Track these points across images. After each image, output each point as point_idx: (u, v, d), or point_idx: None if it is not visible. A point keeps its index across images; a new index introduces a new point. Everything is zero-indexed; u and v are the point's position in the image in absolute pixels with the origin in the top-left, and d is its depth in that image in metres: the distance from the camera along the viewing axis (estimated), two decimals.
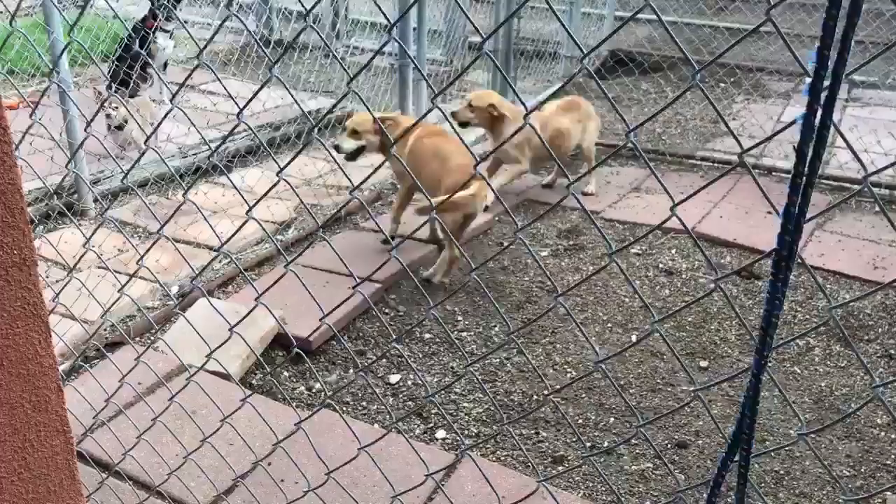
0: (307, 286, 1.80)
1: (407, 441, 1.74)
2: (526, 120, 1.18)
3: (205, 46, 1.46)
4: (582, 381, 3.28)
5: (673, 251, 4.35)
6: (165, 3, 5.91)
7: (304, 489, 2.01)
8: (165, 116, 1.77)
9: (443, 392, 3.22)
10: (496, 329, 3.66)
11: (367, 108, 1.40)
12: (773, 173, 5.29)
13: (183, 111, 1.60)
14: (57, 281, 3.76)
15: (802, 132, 0.94)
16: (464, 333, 3.63)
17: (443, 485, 2.61)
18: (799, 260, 1.01)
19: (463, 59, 7.39)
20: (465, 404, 3.18)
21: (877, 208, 4.80)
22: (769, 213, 4.67)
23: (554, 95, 6.53)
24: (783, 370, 3.37)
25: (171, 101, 1.54)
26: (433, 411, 3.13)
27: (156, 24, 5.98)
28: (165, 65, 6.41)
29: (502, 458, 2.90)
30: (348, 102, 6.16)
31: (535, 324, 3.67)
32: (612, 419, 3.09)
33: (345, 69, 1.34)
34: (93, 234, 1.98)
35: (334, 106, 1.45)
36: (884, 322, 3.68)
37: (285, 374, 3.36)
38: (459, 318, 3.75)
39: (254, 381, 3.30)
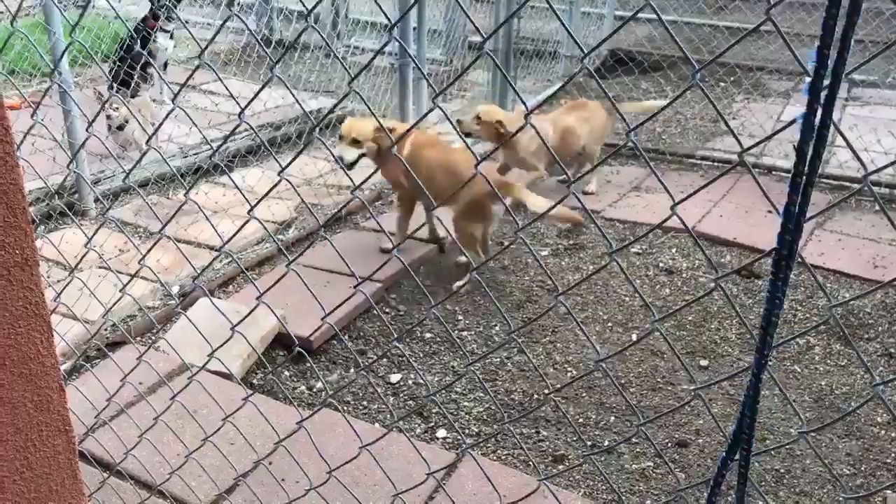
0: (308, 286, 1.81)
1: (408, 440, 1.74)
2: (527, 120, 1.18)
3: (206, 46, 1.46)
4: (582, 380, 3.28)
5: (673, 250, 4.35)
6: (167, 2, 5.92)
7: (306, 488, 2.01)
8: (167, 116, 1.77)
9: (443, 391, 3.23)
10: (497, 328, 3.66)
11: (369, 109, 1.40)
12: (773, 172, 5.29)
13: (185, 111, 1.61)
14: (58, 281, 3.76)
15: (802, 131, 0.94)
16: (464, 333, 3.63)
17: (443, 484, 2.62)
18: (799, 259, 1.01)
19: (463, 58, 7.39)
20: (466, 403, 3.18)
21: (876, 207, 4.81)
22: (769, 212, 4.67)
23: (554, 95, 6.54)
24: (783, 369, 3.37)
25: (172, 101, 1.54)
26: (434, 410, 3.14)
27: (157, 24, 5.98)
28: (166, 65, 6.41)
29: (503, 457, 2.90)
30: (349, 102, 6.17)
31: (536, 323, 3.67)
32: (612, 418, 3.09)
33: (346, 69, 1.35)
34: (94, 234, 1.98)
35: (335, 106, 1.46)
36: (884, 321, 3.68)
37: (286, 373, 3.37)
38: (460, 317, 3.75)
39: (255, 381, 3.31)
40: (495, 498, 2.51)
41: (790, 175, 0.97)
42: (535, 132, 1.20)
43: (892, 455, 2.89)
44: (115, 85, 5.78)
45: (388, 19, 1.24)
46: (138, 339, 3.49)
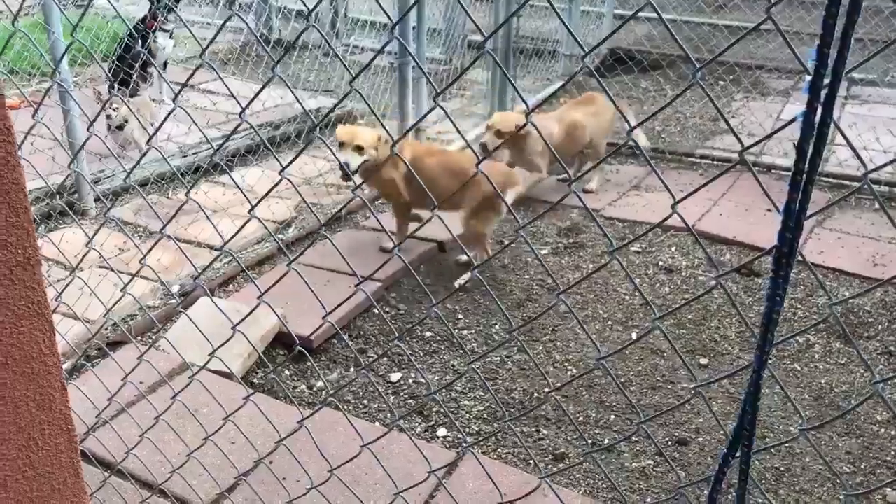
0: (309, 285, 1.81)
1: (410, 438, 1.75)
2: (528, 118, 1.18)
3: (207, 46, 1.47)
4: (582, 379, 3.28)
5: (673, 249, 4.36)
6: (166, 2, 5.92)
7: (307, 487, 2.01)
8: (168, 116, 1.77)
9: (444, 390, 3.23)
10: (497, 327, 3.67)
11: (370, 108, 1.40)
12: (773, 171, 5.30)
13: (185, 111, 1.61)
14: (58, 280, 3.76)
15: (803, 129, 0.94)
16: (465, 332, 3.64)
17: (444, 482, 2.62)
18: (799, 257, 1.01)
19: (462, 57, 7.39)
20: (466, 402, 3.18)
21: (876, 205, 4.81)
22: (769, 210, 4.68)
23: (555, 94, 6.55)
24: (783, 367, 3.38)
25: (173, 100, 1.54)
26: (434, 409, 3.14)
27: (156, 23, 5.98)
28: (165, 64, 6.41)
29: (503, 456, 2.91)
30: (348, 101, 6.17)
31: (536, 322, 3.68)
32: (612, 416, 3.09)
33: (347, 69, 1.35)
34: (95, 234, 1.99)
35: (336, 105, 1.46)
36: (883, 319, 3.69)
37: (286, 372, 3.37)
38: (460, 316, 3.76)
39: (255, 380, 3.31)
40: (496, 496, 2.51)
41: (790, 173, 0.97)
42: (538, 133, 1.20)
43: (892, 453, 2.89)
44: (115, 84, 5.78)
45: (390, 18, 1.24)
46: (139, 338, 3.50)
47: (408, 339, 3.59)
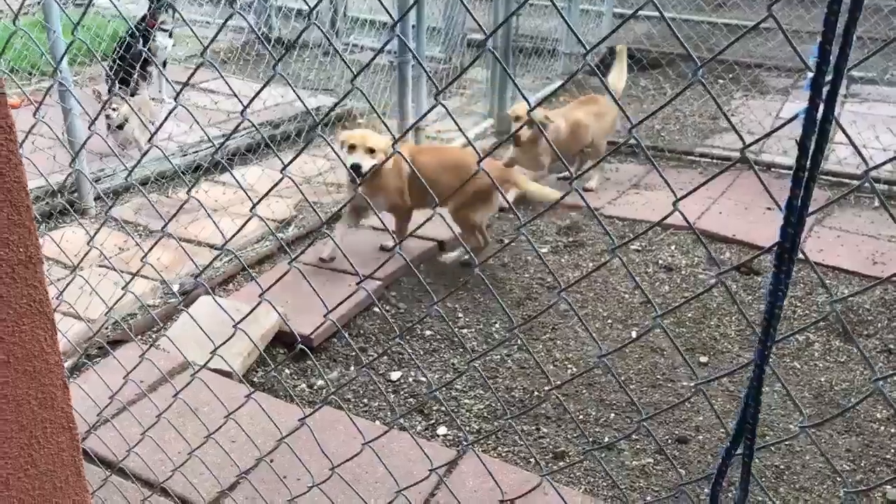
0: (311, 283, 1.81)
1: (411, 437, 1.75)
2: (530, 117, 1.18)
3: (208, 44, 1.47)
4: (582, 378, 3.29)
5: (672, 247, 4.36)
6: (167, 1, 5.91)
7: (308, 485, 2.02)
8: (169, 115, 1.77)
9: (444, 389, 3.23)
10: (497, 326, 3.67)
11: (371, 107, 1.41)
12: (773, 169, 5.30)
13: (188, 109, 1.61)
14: (59, 279, 3.76)
15: (805, 126, 0.94)
16: (465, 330, 3.64)
17: (444, 480, 2.62)
18: (801, 255, 1.01)
19: (462, 56, 7.39)
20: (466, 401, 3.19)
21: (875, 204, 4.81)
22: (768, 208, 4.68)
23: (555, 93, 6.55)
24: (783, 365, 3.38)
25: (175, 99, 1.54)
26: (434, 408, 3.14)
27: (155, 22, 5.98)
28: (165, 63, 6.41)
29: (503, 455, 2.91)
30: (348, 100, 6.17)
31: (536, 320, 3.68)
32: (612, 415, 3.10)
33: (349, 67, 1.35)
34: (96, 233, 1.99)
35: (337, 104, 1.46)
36: (883, 317, 3.69)
37: (286, 371, 3.37)
38: (460, 314, 3.76)
39: (255, 379, 3.31)
40: (496, 495, 2.52)
41: (790, 171, 0.98)
42: (541, 131, 1.20)
43: (892, 451, 2.90)
44: (116, 83, 5.78)
45: (391, 16, 1.24)
46: (139, 337, 3.50)
47: (408, 337, 3.59)
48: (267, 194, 1.62)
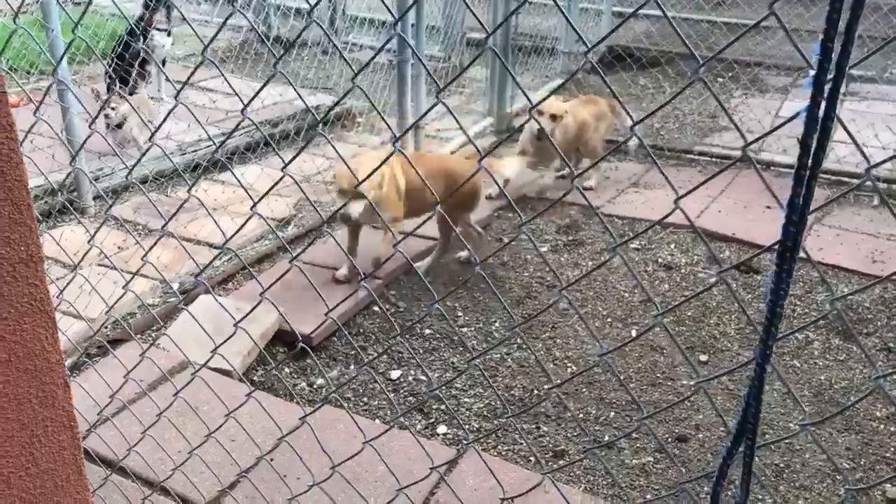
0: (312, 282, 1.81)
1: (413, 435, 1.75)
2: (531, 114, 1.18)
3: (209, 43, 1.47)
4: (582, 376, 3.29)
5: (672, 246, 4.36)
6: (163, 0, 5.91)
7: (309, 483, 2.02)
8: (170, 113, 1.77)
9: (444, 387, 3.23)
10: (496, 325, 3.67)
11: (372, 105, 1.40)
12: (772, 167, 5.30)
13: (188, 108, 1.61)
14: (58, 278, 3.76)
15: (806, 124, 0.94)
16: (464, 329, 3.64)
17: (445, 479, 2.62)
18: (802, 253, 1.01)
19: (461, 55, 7.38)
20: (466, 399, 3.19)
21: (875, 202, 4.82)
22: (768, 207, 4.68)
23: (556, 92, 6.54)
24: (783, 364, 3.38)
25: (175, 97, 1.54)
26: (434, 407, 3.14)
27: (153, 21, 5.97)
28: (164, 62, 6.40)
29: (503, 453, 2.91)
30: (347, 99, 6.17)
31: (536, 319, 3.68)
32: (612, 413, 3.10)
33: (350, 66, 1.35)
34: (97, 232, 1.99)
35: (338, 102, 1.46)
36: (882, 315, 3.70)
37: (286, 370, 3.37)
38: (460, 313, 3.76)
39: (255, 378, 3.31)
40: (496, 493, 2.52)
41: (789, 169, 0.98)
42: (540, 128, 1.20)
43: (892, 449, 2.90)
44: (117, 83, 5.77)
45: (393, 15, 1.24)
46: (139, 336, 3.50)
47: (407, 336, 3.59)
48: (268, 193, 1.62)
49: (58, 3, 3.90)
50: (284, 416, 2.83)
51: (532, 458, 2.86)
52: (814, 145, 0.94)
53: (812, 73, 0.94)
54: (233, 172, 1.64)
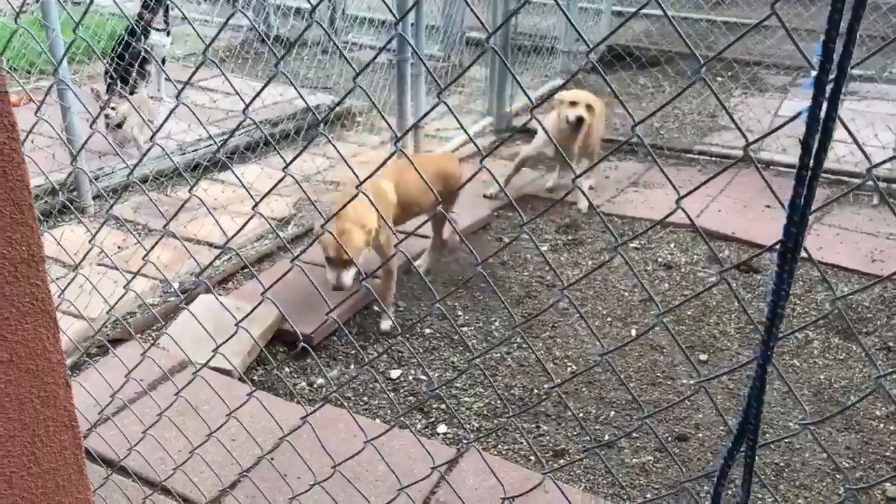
0: (313, 282, 1.81)
1: (413, 434, 1.75)
2: (532, 114, 1.19)
3: (210, 43, 1.47)
4: (582, 375, 3.29)
5: (671, 245, 4.36)
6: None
7: (310, 483, 2.02)
8: (171, 113, 1.77)
9: (444, 387, 3.24)
10: (496, 324, 3.67)
11: (373, 104, 1.41)
12: (771, 167, 5.30)
13: (190, 108, 1.61)
14: (58, 278, 3.76)
15: (808, 125, 0.95)
16: (464, 328, 3.64)
17: (445, 478, 2.63)
18: (804, 253, 1.01)
19: (460, 54, 7.38)
20: (466, 399, 3.19)
21: (875, 201, 4.82)
22: (767, 206, 4.69)
23: (556, 92, 6.54)
24: (782, 363, 3.39)
25: (176, 97, 1.54)
26: (434, 406, 3.14)
27: (152, 20, 5.97)
28: (164, 61, 6.40)
29: (503, 452, 2.91)
30: (348, 99, 6.16)
31: (536, 318, 3.68)
32: (612, 412, 3.10)
33: (351, 66, 1.35)
34: (97, 232, 1.99)
35: (339, 102, 1.46)
36: (882, 315, 3.70)
37: (286, 369, 3.37)
38: (460, 312, 3.76)
39: (255, 377, 3.31)
40: (496, 492, 2.52)
41: (788, 169, 0.98)
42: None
43: (891, 448, 2.90)
44: (118, 83, 5.77)
45: (394, 15, 1.24)
46: (139, 335, 3.50)
47: (407, 335, 3.60)
48: (269, 193, 1.62)
49: (58, 2, 3.91)
50: (285, 416, 2.83)
51: (532, 458, 2.86)
52: (815, 146, 0.94)
53: (813, 73, 0.94)
54: (234, 172, 1.64)
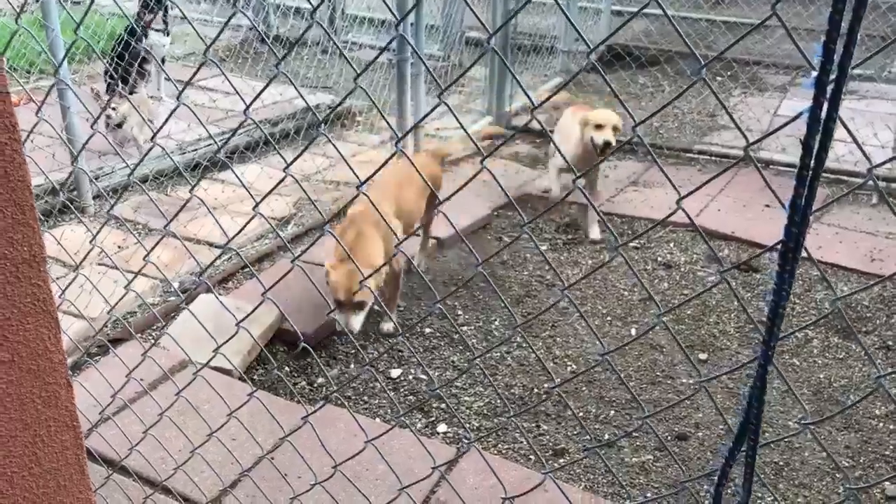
0: (313, 282, 1.81)
1: (413, 434, 1.76)
2: (533, 115, 1.19)
3: (211, 43, 1.47)
4: (582, 375, 3.29)
5: (671, 245, 4.37)
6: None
7: (311, 482, 2.02)
8: (172, 113, 1.77)
9: (445, 386, 3.24)
10: (496, 323, 3.67)
11: (374, 103, 1.41)
12: (771, 166, 5.30)
13: (189, 108, 1.61)
14: (59, 277, 3.76)
15: (809, 125, 0.95)
16: (464, 327, 3.64)
17: (446, 477, 2.63)
18: (805, 253, 1.02)
19: (460, 54, 7.38)
20: (466, 398, 3.19)
21: (874, 200, 4.82)
22: (767, 205, 4.69)
23: (556, 92, 6.53)
24: (782, 362, 3.39)
25: (177, 98, 1.54)
26: (434, 405, 3.15)
27: (151, 20, 5.96)
28: (164, 60, 6.40)
29: (503, 452, 2.92)
30: (349, 99, 6.17)
31: (536, 318, 3.68)
32: (612, 412, 3.10)
33: (352, 66, 1.35)
34: (98, 231, 1.99)
35: (341, 102, 1.46)
36: (881, 314, 3.70)
37: (286, 369, 3.38)
38: (460, 312, 3.76)
39: (255, 377, 3.31)
40: (496, 491, 2.52)
41: (788, 168, 0.98)
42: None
43: (891, 447, 2.91)
44: (119, 83, 5.77)
45: (395, 15, 1.24)
46: (139, 335, 3.50)
47: (407, 335, 3.60)
48: (270, 193, 1.62)
49: (58, 2, 3.91)
50: (285, 415, 2.83)
51: (532, 457, 2.86)
52: (816, 147, 0.94)
53: (814, 73, 0.95)
54: (234, 172, 1.64)
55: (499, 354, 3.44)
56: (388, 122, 1.39)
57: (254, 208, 1.56)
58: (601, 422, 3.06)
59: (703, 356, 3.43)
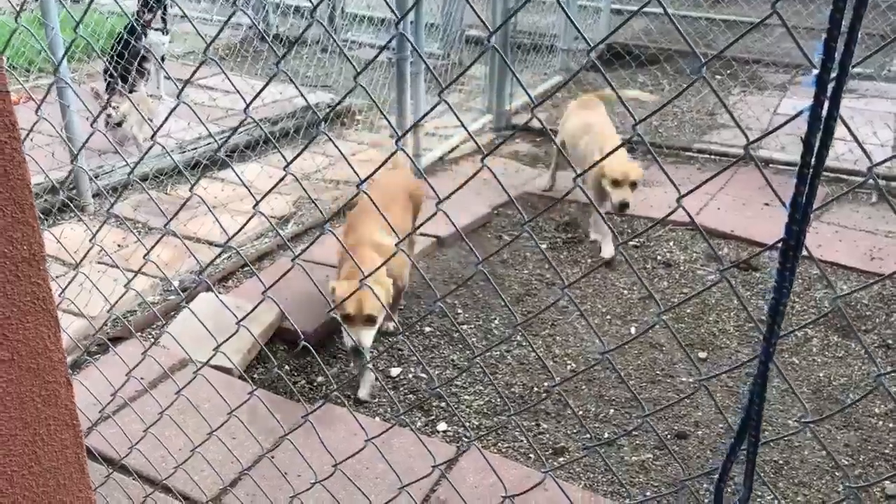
0: (314, 281, 1.81)
1: (414, 433, 1.75)
2: (533, 114, 1.19)
3: (211, 41, 1.47)
4: (582, 373, 3.29)
5: (671, 243, 4.37)
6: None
7: (311, 481, 2.02)
8: (172, 112, 1.77)
9: (444, 385, 3.24)
10: (496, 322, 3.67)
11: (374, 103, 1.40)
12: (770, 165, 5.30)
13: (189, 106, 1.61)
14: (58, 276, 3.76)
15: (810, 123, 0.95)
16: (464, 326, 3.64)
17: (446, 476, 2.63)
18: (805, 252, 1.02)
19: (460, 52, 7.38)
20: (466, 397, 3.19)
21: (873, 199, 4.82)
22: (766, 204, 4.69)
23: (556, 92, 6.54)
24: (781, 360, 3.39)
25: (178, 97, 1.54)
26: (434, 404, 3.15)
27: (150, 20, 5.96)
28: (163, 59, 6.40)
29: (503, 450, 2.92)
30: (348, 97, 6.16)
31: (535, 317, 3.68)
32: (611, 410, 3.10)
33: (352, 65, 1.35)
34: (98, 230, 1.99)
35: (341, 101, 1.46)
36: (881, 312, 3.70)
37: (286, 367, 3.38)
38: (460, 310, 3.76)
39: (255, 375, 3.31)
40: (496, 490, 2.52)
41: (787, 167, 0.98)
42: (546, 128, 1.20)
43: (890, 446, 2.91)
44: (119, 82, 5.77)
45: (395, 13, 1.24)
46: (139, 333, 3.50)
47: (407, 333, 3.60)
48: (270, 191, 1.62)
49: (57, 0, 3.90)
50: (285, 414, 2.84)
51: (532, 456, 2.86)
52: (817, 145, 0.94)
53: (814, 71, 0.95)
54: (234, 170, 1.64)
55: (499, 353, 3.44)
56: (388, 121, 1.39)
57: (254, 207, 1.55)
58: (601, 420, 3.06)
59: (702, 355, 3.43)
